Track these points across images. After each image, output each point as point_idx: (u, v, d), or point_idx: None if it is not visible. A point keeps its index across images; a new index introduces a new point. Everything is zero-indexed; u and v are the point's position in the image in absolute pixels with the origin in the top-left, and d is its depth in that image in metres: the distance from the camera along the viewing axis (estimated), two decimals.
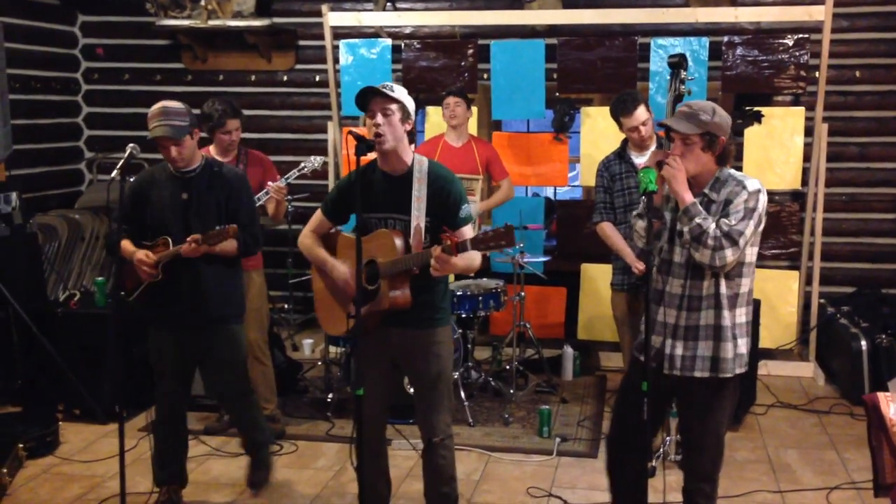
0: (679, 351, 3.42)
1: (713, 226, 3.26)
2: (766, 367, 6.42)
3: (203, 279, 4.10)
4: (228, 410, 4.44)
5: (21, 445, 4.91)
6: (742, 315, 3.41)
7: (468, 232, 3.55)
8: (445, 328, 3.76)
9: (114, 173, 3.81)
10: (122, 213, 4.11)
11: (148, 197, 4.10)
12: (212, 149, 5.21)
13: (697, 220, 3.27)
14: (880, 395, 3.65)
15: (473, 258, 3.49)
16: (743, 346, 3.42)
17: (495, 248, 3.27)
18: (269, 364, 5.37)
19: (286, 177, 5.13)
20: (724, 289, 3.35)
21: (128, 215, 4.14)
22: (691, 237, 3.28)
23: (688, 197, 3.30)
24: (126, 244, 4.12)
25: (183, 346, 4.18)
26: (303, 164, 5.27)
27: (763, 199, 3.32)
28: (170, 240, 4.05)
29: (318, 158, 5.31)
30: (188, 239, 3.93)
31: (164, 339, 4.19)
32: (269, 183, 5.08)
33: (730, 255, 3.25)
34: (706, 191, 3.38)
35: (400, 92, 3.57)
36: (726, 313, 3.36)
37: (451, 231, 3.34)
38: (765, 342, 6.27)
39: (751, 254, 3.38)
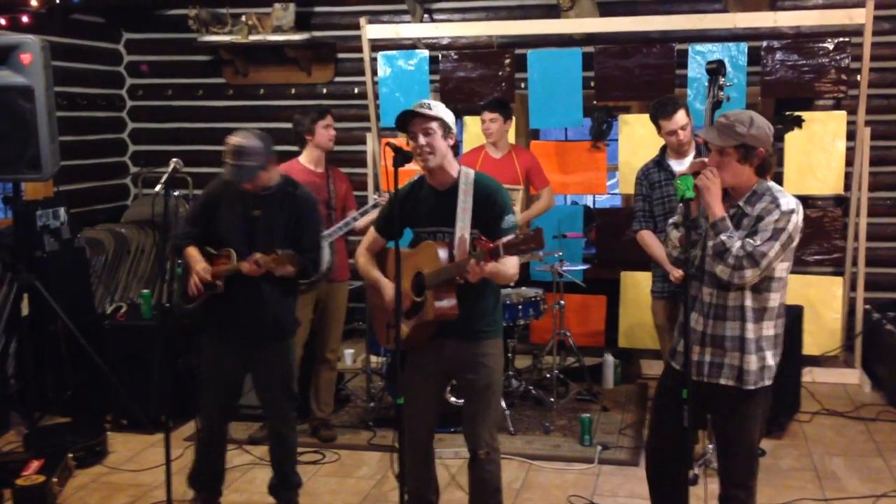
0: (707, 358, 3.41)
1: (738, 244, 3.23)
2: (811, 374, 6.35)
3: (261, 294, 4.11)
4: (273, 430, 4.41)
5: (70, 455, 5.01)
6: (770, 328, 3.37)
7: None
8: (496, 340, 3.75)
9: (157, 188, 3.87)
10: (191, 216, 4.18)
11: (219, 207, 4.12)
12: (302, 158, 5.33)
13: (723, 236, 3.24)
14: None
15: (507, 264, 3.49)
16: (770, 357, 3.38)
17: (526, 251, 3.27)
18: (336, 371, 5.61)
19: (380, 199, 5.23)
20: (749, 301, 3.32)
21: (196, 220, 4.21)
22: (714, 252, 3.26)
23: (718, 211, 3.28)
24: (192, 251, 4.15)
25: (237, 357, 4.21)
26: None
27: (795, 219, 3.26)
28: (234, 253, 4.05)
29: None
30: (251, 259, 3.93)
31: (219, 349, 4.22)
32: (376, 196, 5.28)
33: (749, 275, 3.22)
34: (741, 203, 3.34)
35: (438, 108, 3.59)
36: (751, 326, 3.33)
37: (488, 238, 3.35)
38: (809, 349, 6.21)
39: (781, 269, 3.33)
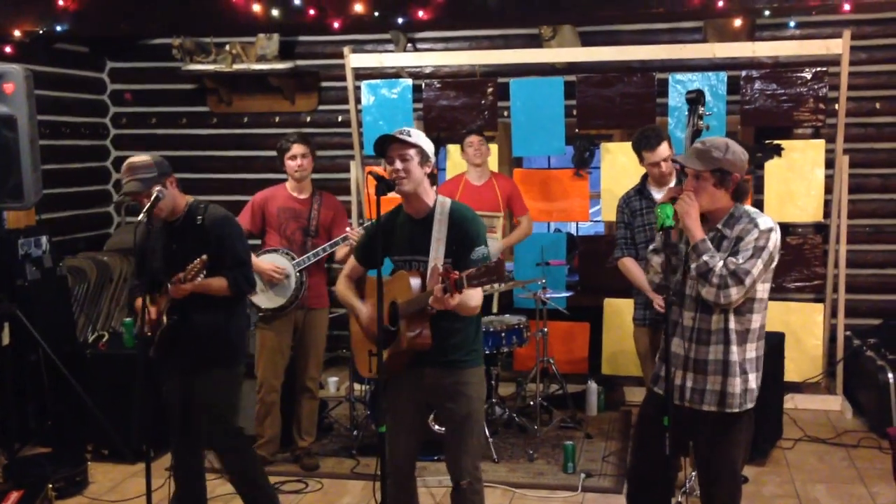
0: (689, 383, 3.44)
1: (720, 263, 3.27)
2: (792, 401, 6.37)
3: (193, 323, 4.11)
4: (221, 463, 4.37)
5: (51, 486, 4.95)
6: (753, 350, 3.41)
7: None
8: (476, 369, 3.74)
9: (140, 216, 3.89)
10: (135, 269, 4.25)
11: (146, 249, 4.17)
12: (287, 184, 5.42)
13: (705, 257, 3.29)
14: None
15: (471, 296, 3.48)
16: (753, 380, 3.41)
17: (487, 282, 3.28)
18: (317, 399, 5.62)
19: (365, 225, 5.22)
20: (733, 324, 3.36)
21: (140, 272, 4.27)
22: (697, 274, 3.31)
23: (698, 233, 3.33)
24: (137, 303, 4.19)
25: (183, 388, 4.21)
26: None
27: (774, 237, 3.33)
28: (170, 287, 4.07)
29: None
30: (172, 280, 3.98)
31: (169, 381, 4.26)
32: (348, 229, 5.29)
33: (734, 293, 3.27)
34: (719, 226, 3.40)
35: (417, 136, 3.62)
36: (735, 348, 3.37)
37: (459, 270, 3.36)
38: (791, 375, 6.24)
39: (762, 290, 3.38)
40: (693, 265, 3.33)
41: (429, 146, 3.64)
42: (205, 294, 4.04)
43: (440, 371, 3.66)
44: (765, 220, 3.35)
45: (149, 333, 4.14)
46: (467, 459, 3.70)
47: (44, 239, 6.05)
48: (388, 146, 3.61)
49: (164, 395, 4.29)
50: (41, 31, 6.23)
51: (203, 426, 4.24)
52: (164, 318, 4.09)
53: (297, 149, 5.31)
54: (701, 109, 4.43)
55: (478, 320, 3.78)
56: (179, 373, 4.21)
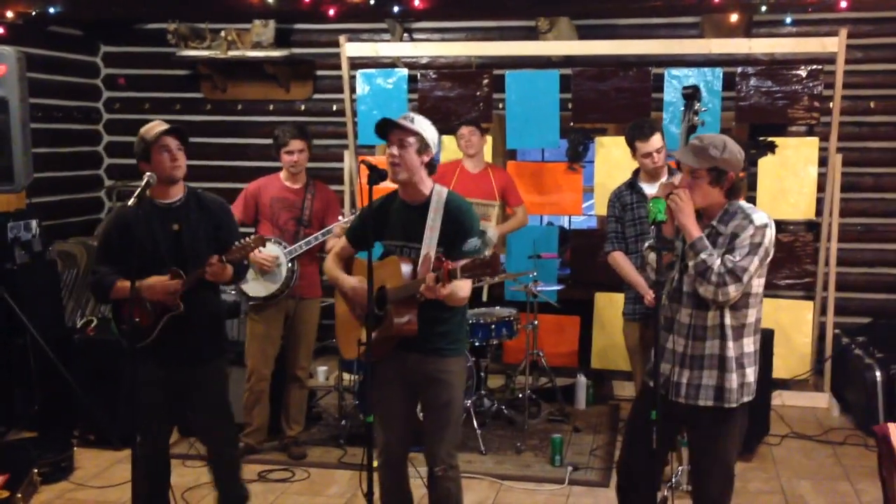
0: (685, 379, 3.44)
1: (718, 262, 3.28)
2: (780, 398, 6.39)
3: (198, 313, 3.96)
4: (217, 453, 4.18)
5: (36, 470, 4.94)
6: (749, 344, 3.42)
7: None
8: (458, 358, 3.76)
9: (130, 201, 3.84)
10: (106, 255, 3.97)
11: (133, 234, 3.85)
12: (282, 174, 5.40)
13: (703, 255, 3.29)
14: (891, 425, 3.65)
15: (461, 286, 3.48)
16: (751, 374, 3.43)
17: (481, 275, 3.28)
18: (307, 389, 5.64)
19: (355, 214, 5.19)
20: (728, 319, 3.37)
21: (115, 256, 3.93)
22: (696, 272, 3.31)
23: (694, 231, 3.33)
24: (124, 284, 3.85)
25: (172, 382, 4.00)
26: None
27: (770, 233, 3.33)
28: (180, 271, 3.87)
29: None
30: (210, 260, 3.82)
31: (154, 374, 3.95)
32: (340, 218, 5.30)
33: (732, 290, 3.27)
34: (714, 223, 3.40)
35: (420, 123, 3.60)
36: (731, 344, 3.38)
37: (451, 260, 3.35)
38: (779, 372, 6.25)
39: (757, 285, 3.39)
40: (691, 263, 3.33)
41: (431, 134, 3.63)
42: (212, 281, 3.93)
43: (423, 357, 3.67)
44: (759, 216, 3.35)
45: (138, 319, 3.92)
46: (442, 447, 3.71)
47: (33, 223, 6.01)
48: (389, 130, 3.60)
49: (145, 385, 3.93)
50: (34, 14, 6.20)
51: (217, 415, 4.10)
52: (181, 304, 3.88)
53: (295, 144, 5.27)
54: (697, 105, 4.42)
55: (464, 311, 3.79)
56: (172, 363, 3.97)
